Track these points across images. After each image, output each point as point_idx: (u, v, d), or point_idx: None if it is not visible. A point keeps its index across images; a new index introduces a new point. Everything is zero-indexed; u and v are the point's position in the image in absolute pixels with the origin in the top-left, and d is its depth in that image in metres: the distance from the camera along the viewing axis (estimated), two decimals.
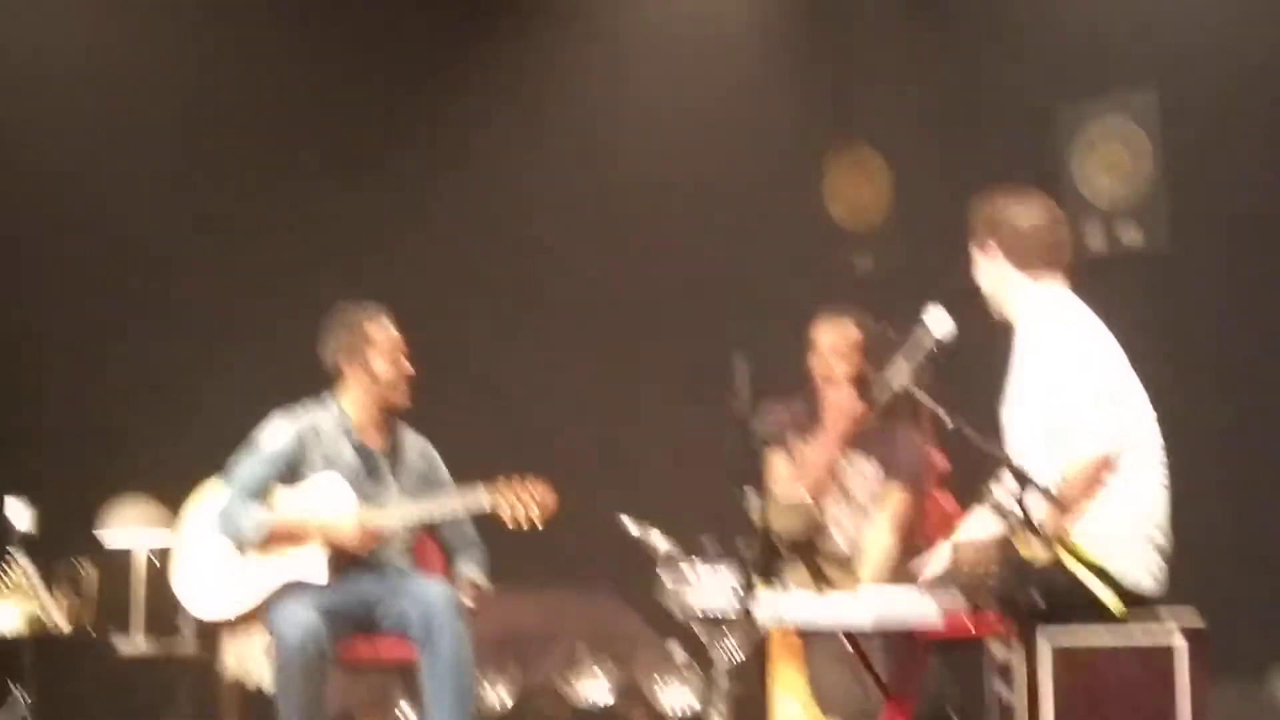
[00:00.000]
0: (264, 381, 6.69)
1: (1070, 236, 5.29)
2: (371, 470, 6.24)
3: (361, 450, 6.25)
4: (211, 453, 6.32)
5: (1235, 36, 7.81)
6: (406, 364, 6.27)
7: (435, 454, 6.42)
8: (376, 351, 6.23)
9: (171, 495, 6.98)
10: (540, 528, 5.99)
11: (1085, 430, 4.86)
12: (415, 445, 6.38)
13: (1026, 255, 5.15)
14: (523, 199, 8.97)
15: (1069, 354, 4.97)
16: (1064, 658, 4.78)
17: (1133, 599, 4.91)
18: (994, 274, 5.22)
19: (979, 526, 4.99)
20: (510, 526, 6.01)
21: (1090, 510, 4.87)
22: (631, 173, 8.89)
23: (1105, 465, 4.86)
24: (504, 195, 8.98)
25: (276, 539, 6.07)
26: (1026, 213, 5.20)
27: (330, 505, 6.10)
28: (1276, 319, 7.61)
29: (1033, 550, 4.68)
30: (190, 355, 8.67)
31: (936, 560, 5.19)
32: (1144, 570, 4.94)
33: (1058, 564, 4.84)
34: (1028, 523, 4.62)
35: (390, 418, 6.33)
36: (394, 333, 6.28)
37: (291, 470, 6.18)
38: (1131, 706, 4.76)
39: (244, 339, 8.58)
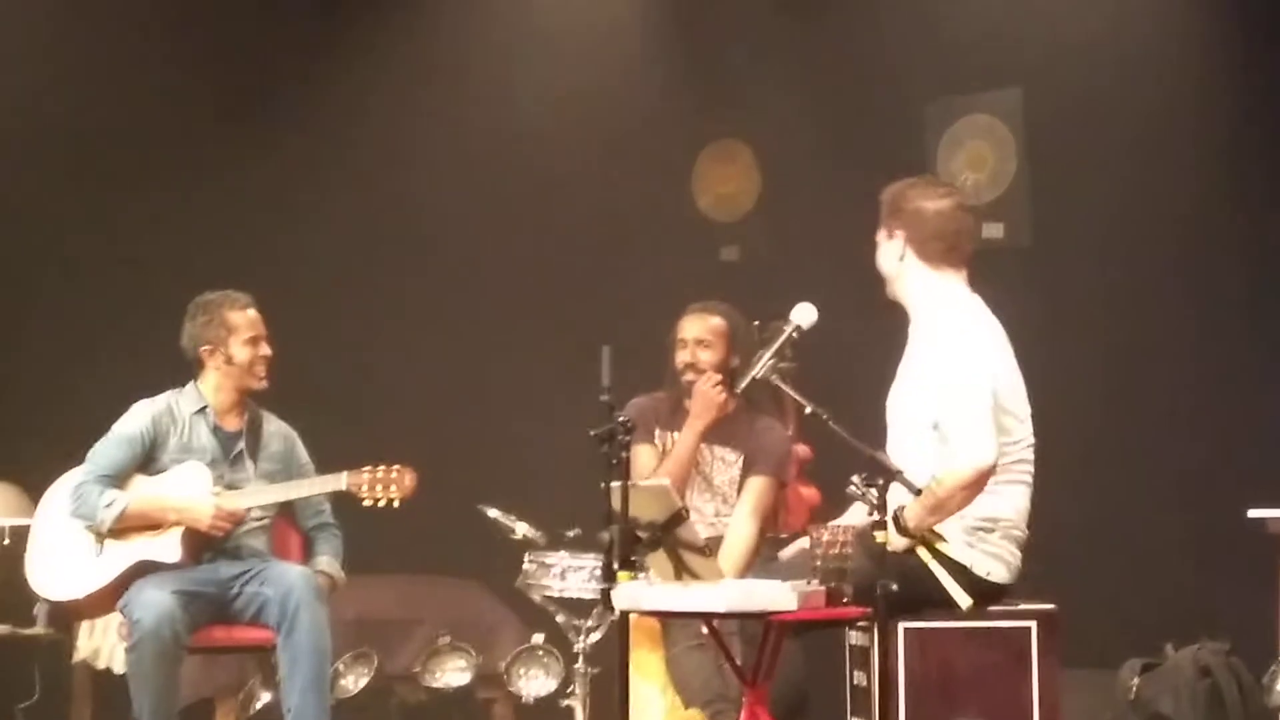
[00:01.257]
0: (131, 372, 6.61)
1: (973, 226, 5.26)
2: (229, 454, 6.19)
3: (218, 433, 6.20)
4: (75, 442, 6.24)
5: (1099, 35, 7.94)
6: (266, 346, 6.21)
7: (296, 439, 6.38)
8: (235, 337, 6.18)
9: (33, 484, 6.90)
10: (397, 506, 5.96)
11: (970, 438, 4.84)
12: (275, 429, 6.33)
13: (928, 243, 5.10)
14: (393, 189, 8.91)
15: (965, 356, 4.94)
16: (917, 640, 4.82)
17: (987, 590, 4.96)
18: (894, 258, 5.16)
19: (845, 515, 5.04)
20: (368, 504, 5.98)
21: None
22: (501, 164, 8.84)
23: (986, 476, 4.85)
24: (375, 186, 8.91)
25: (131, 522, 6.00)
26: (933, 199, 5.15)
27: (187, 490, 6.04)
28: (1137, 313, 7.73)
29: (889, 539, 4.71)
30: (56, 344, 8.55)
31: (797, 548, 5.23)
32: (999, 562, 4.98)
33: (913, 554, 4.88)
34: (885, 511, 4.65)
35: (249, 402, 6.28)
36: (254, 315, 6.22)
37: (147, 453, 6.12)
38: (984, 688, 4.82)
39: (111, 329, 8.47)
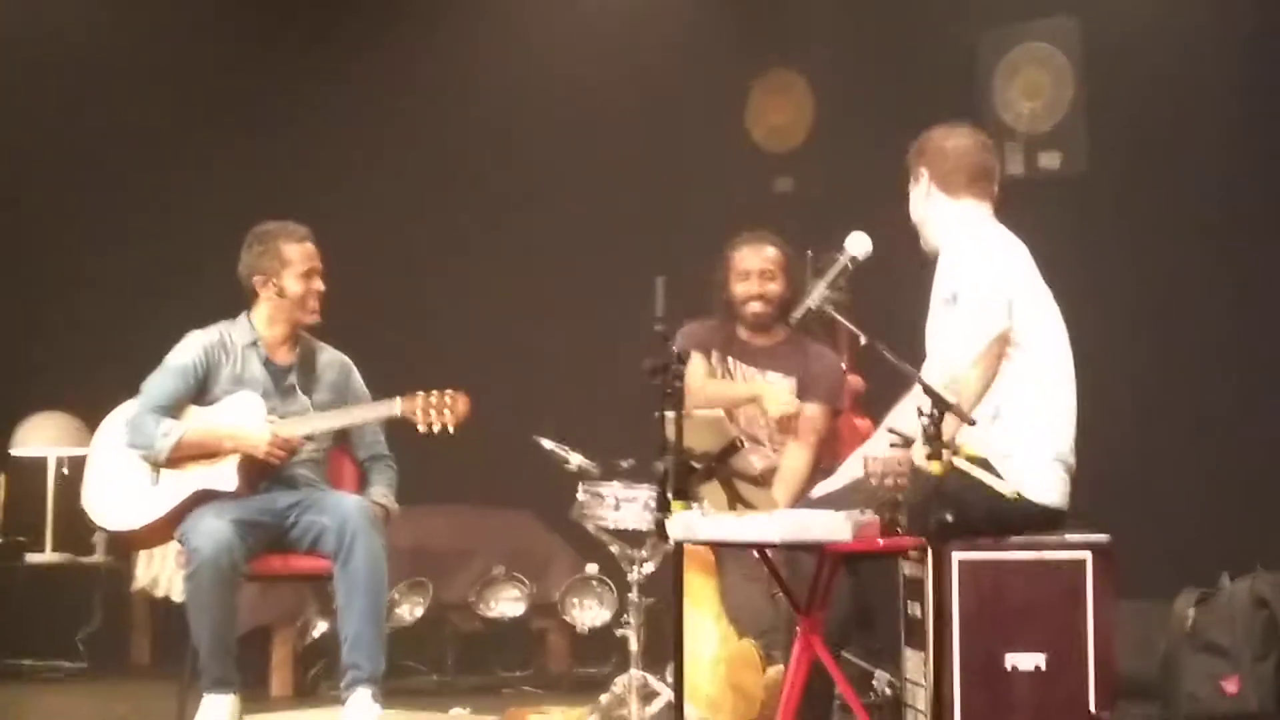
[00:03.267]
0: (188, 303, 6.59)
1: (997, 166, 5.33)
2: (281, 387, 6.19)
3: (270, 366, 6.20)
4: (131, 373, 6.25)
5: None
6: (319, 282, 6.20)
7: (352, 368, 6.37)
8: (289, 270, 6.17)
9: (88, 414, 6.95)
10: (451, 431, 5.97)
11: (980, 306, 4.92)
12: (329, 359, 6.32)
13: (951, 177, 5.21)
14: (447, 123, 8.92)
15: (982, 252, 5.04)
16: (971, 572, 4.82)
17: (1039, 514, 4.96)
18: (921, 198, 5.28)
19: (889, 442, 5.02)
20: (422, 430, 5.99)
21: (1001, 425, 4.91)
22: (556, 94, 8.85)
23: (1000, 344, 4.91)
24: (429, 121, 8.93)
25: (188, 451, 6.01)
26: (954, 138, 5.29)
27: (242, 418, 6.06)
28: (1191, 242, 7.67)
29: (939, 467, 4.70)
30: (112, 276, 8.61)
31: (845, 471, 5.22)
32: (1049, 487, 4.98)
33: (964, 480, 4.85)
34: (940, 442, 4.63)
35: (302, 334, 6.28)
36: (310, 249, 6.20)
37: (200, 384, 6.13)
38: (1038, 619, 4.82)
39: (168, 260, 8.52)
